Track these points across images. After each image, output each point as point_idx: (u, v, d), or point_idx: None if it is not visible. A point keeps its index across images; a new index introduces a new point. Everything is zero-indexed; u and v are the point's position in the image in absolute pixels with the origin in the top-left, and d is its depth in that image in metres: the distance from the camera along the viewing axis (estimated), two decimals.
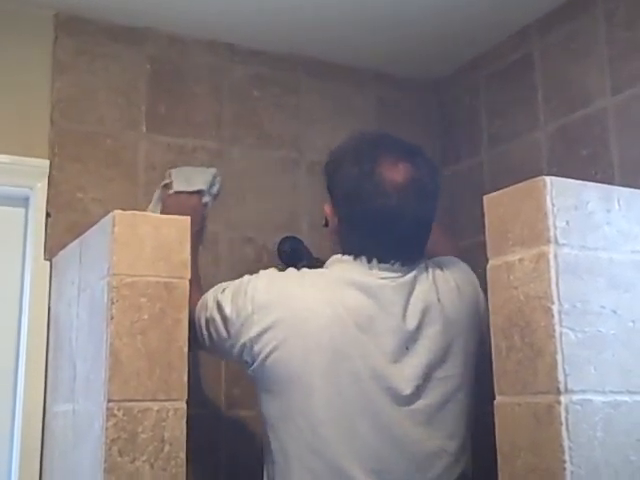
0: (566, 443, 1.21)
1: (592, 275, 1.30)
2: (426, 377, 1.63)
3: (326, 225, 1.76)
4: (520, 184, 1.33)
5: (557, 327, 1.25)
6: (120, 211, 1.59)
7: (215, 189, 1.96)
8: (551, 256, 1.27)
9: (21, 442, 1.92)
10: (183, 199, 1.90)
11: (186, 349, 1.57)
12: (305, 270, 1.75)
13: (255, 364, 1.61)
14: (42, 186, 2.03)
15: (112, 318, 1.52)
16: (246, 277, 1.69)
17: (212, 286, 1.74)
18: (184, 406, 1.55)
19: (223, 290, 1.70)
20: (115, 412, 1.49)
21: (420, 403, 1.62)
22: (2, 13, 2.06)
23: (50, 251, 2.00)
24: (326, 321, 1.60)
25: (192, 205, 1.89)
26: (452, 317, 1.69)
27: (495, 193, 1.38)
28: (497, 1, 2.08)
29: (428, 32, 2.24)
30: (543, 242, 1.28)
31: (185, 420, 1.54)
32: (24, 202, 2.07)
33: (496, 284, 1.35)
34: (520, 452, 1.27)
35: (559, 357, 1.24)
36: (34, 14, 2.09)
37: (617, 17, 1.97)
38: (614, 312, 1.31)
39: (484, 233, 1.40)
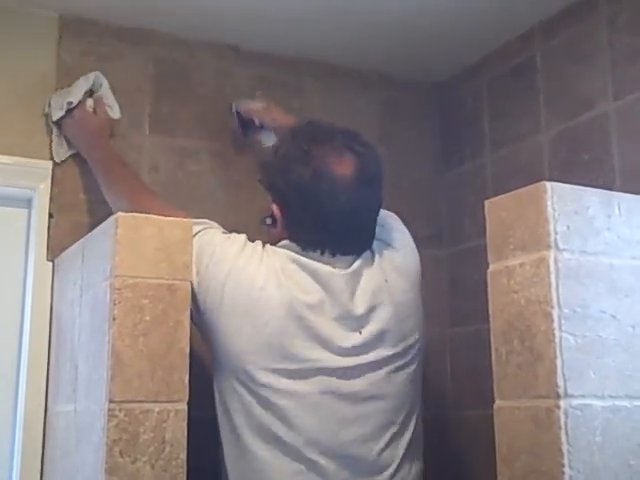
0: (565, 447, 1.22)
1: (592, 280, 1.31)
2: (376, 356, 1.68)
3: (273, 225, 1.76)
4: (521, 189, 1.34)
5: (557, 332, 1.26)
6: (123, 213, 1.60)
7: (101, 91, 2.04)
8: (551, 261, 1.28)
9: (22, 442, 1.92)
10: (70, 122, 2.01)
11: (188, 350, 1.58)
12: (259, 246, 1.74)
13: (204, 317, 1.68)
14: (45, 187, 2.03)
15: (114, 319, 1.53)
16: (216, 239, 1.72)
17: None
18: (185, 407, 1.56)
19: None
20: (116, 413, 1.50)
21: (368, 377, 1.68)
22: (6, 14, 2.06)
23: (53, 252, 2.00)
24: (275, 303, 1.64)
25: (80, 122, 2.02)
26: (400, 299, 1.73)
27: (496, 198, 1.39)
28: (500, 4, 2.09)
29: (431, 35, 2.25)
30: (544, 247, 1.29)
31: (186, 421, 1.55)
32: (27, 203, 2.08)
33: (496, 288, 1.36)
34: (519, 456, 1.28)
35: (559, 362, 1.25)
36: (38, 15, 2.10)
37: (620, 21, 1.97)
38: (614, 317, 1.31)
39: (486, 236, 1.40)
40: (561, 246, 1.29)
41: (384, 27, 2.19)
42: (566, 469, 1.21)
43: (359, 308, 1.69)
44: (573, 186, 1.34)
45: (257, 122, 2.17)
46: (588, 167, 1.99)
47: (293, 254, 1.70)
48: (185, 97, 2.24)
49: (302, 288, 1.67)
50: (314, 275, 1.68)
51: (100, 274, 1.62)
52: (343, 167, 1.68)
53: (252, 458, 1.65)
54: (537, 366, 1.26)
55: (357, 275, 1.71)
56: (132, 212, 1.61)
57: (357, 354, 1.68)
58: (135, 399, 1.52)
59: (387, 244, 1.80)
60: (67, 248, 1.93)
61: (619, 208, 1.37)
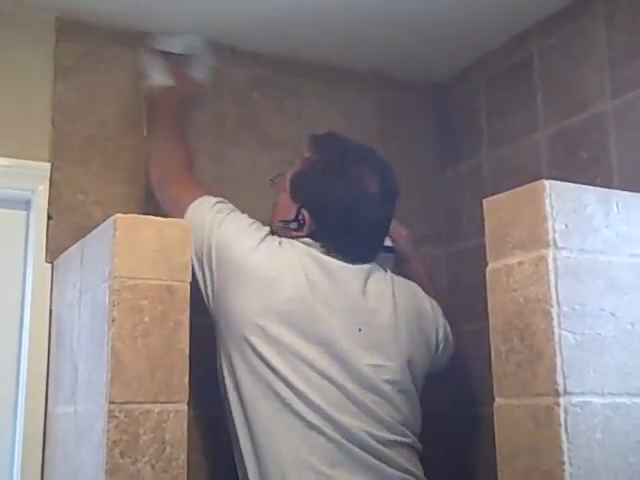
0: (565, 445, 1.22)
1: (591, 278, 1.31)
2: (371, 361, 1.80)
3: (299, 229, 1.89)
4: (520, 188, 1.34)
5: (556, 330, 1.26)
6: (121, 214, 1.60)
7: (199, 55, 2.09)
8: (550, 259, 1.28)
9: (23, 443, 1.92)
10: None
11: (187, 351, 1.58)
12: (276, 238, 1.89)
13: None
14: (44, 189, 2.03)
15: (113, 321, 1.53)
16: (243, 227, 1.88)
17: None
18: (185, 408, 1.56)
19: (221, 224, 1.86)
20: (116, 414, 1.50)
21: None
22: (3, 16, 2.06)
23: (52, 254, 2.00)
24: (289, 288, 1.79)
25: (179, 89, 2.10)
26: (400, 319, 1.87)
27: (495, 197, 1.39)
28: (497, 4, 2.09)
29: (429, 35, 2.25)
30: (542, 245, 1.29)
31: (186, 422, 1.55)
32: (26, 205, 2.08)
33: (496, 287, 1.36)
34: (519, 454, 1.28)
35: (558, 359, 1.25)
36: (35, 17, 2.09)
37: (617, 20, 1.97)
38: (613, 315, 1.31)
39: (484, 235, 1.41)
40: (560, 244, 1.29)
41: (381, 27, 2.20)
42: (566, 467, 1.22)
43: (363, 304, 1.83)
44: (571, 184, 1.35)
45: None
46: (586, 165, 2.00)
47: (310, 248, 1.85)
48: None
49: (312, 278, 1.81)
50: (325, 267, 1.83)
51: (99, 276, 1.63)
52: (371, 184, 1.88)
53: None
54: (537, 364, 1.27)
55: (366, 275, 1.87)
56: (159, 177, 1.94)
57: (355, 355, 1.79)
58: (135, 400, 1.52)
59: (416, 294, 1.98)
60: (66, 250, 1.93)
61: (617, 206, 1.37)
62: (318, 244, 1.86)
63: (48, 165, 2.05)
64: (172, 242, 1.61)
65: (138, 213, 1.77)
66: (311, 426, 1.72)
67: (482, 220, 1.41)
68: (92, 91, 2.13)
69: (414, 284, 2.00)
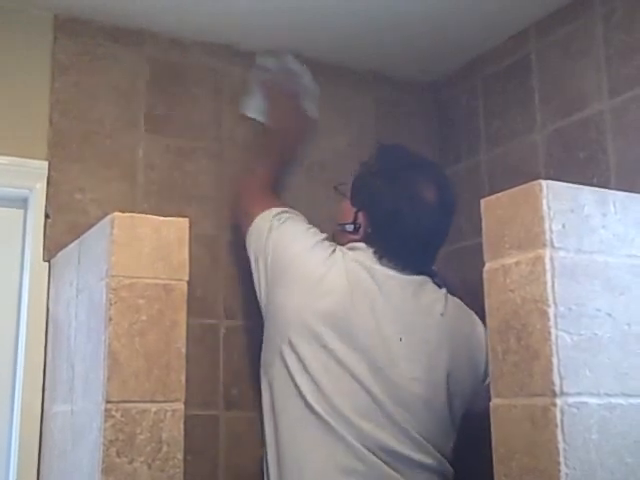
0: (561, 445, 1.22)
1: (588, 278, 1.31)
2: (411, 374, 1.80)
3: (354, 232, 1.94)
4: (517, 188, 1.34)
5: (553, 330, 1.26)
6: (119, 213, 1.60)
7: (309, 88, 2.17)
8: (547, 259, 1.28)
9: (19, 442, 1.92)
10: (279, 104, 2.18)
11: (184, 350, 1.58)
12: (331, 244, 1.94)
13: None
14: (41, 187, 2.03)
15: (110, 319, 1.53)
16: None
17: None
18: (182, 407, 1.56)
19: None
20: (113, 413, 1.50)
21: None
22: (1, 14, 2.06)
23: (49, 252, 2.00)
24: (336, 292, 1.82)
25: (288, 113, 2.18)
26: (444, 336, 1.85)
27: (492, 196, 1.39)
28: (495, 4, 2.09)
29: (427, 34, 2.25)
30: (539, 245, 1.29)
31: (183, 421, 1.55)
32: (23, 203, 2.08)
33: (493, 287, 1.36)
34: (515, 454, 1.28)
35: (555, 360, 1.25)
36: (33, 15, 2.09)
37: (614, 19, 1.97)
38: (609, 315, 1.31)
39: (482, 235, 1.40)
40: (557, 244, 1.29)
41: (379, 26, 2.19)
42: (562, 467, 1.21)
43: (408, 314, 1.84)
44: (568, 184, 1.34)
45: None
46: (583, 165, 2.00)
47: (362, 256, 1.88)
48: (180, 97, 2.23)
49: (360, 285, 1.84)
50: (374, 276, 1.85)
51: (96, 274, 1.63)
52: (428, 194, 1.91)
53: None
54: (533, 364, 1.27)
55: (416, 286, 1.89)
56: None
57: (391, 364, 1.80)
58: (132, 399, 1.52)
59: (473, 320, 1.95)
60: (63, 248, 1.93)
61: (614, 206, 1.37)
62: (371, 250, 1.89)
63: (46, 163, 2.05)
64: (169, 241, 1.61)
65: (136, 212, 1.76)
66: (331, 431, 1.73)
67: (480, 220, 1.41)
68: (90, 89, 2.13)
69: (470, 310, 1.96)
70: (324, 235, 1.95)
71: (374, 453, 1.73)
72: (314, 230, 1.95)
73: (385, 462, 1.73)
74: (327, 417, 1.73)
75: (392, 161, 1.99)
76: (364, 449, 1.72)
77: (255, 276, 1.92)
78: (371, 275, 1.85)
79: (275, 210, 1.96)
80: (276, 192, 2.09)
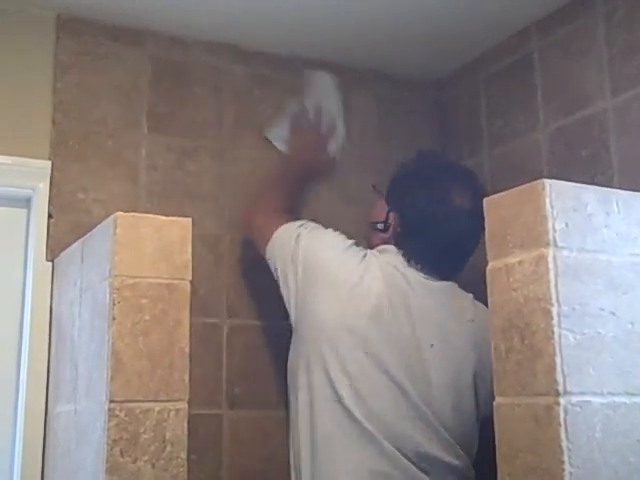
0: (565, 444, 1.22)
1: (591, 277, 1.31)
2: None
3: (384, 231, 1.95)
4: (520, 187, 1.34)
5: (556, 329, 1.26)
6: (122, 213, 1.60)
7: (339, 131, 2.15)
8: (550, 258, 1.28)
9: (23, 442, 1.92)
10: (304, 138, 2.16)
11: (187, 349, 1.58)
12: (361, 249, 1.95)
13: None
14: (44, 187, 2.03)
15: (114, 319, 1.53)
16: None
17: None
18: (185, 406, 1.56)
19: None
20: (117, 412, 1.50)
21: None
22: (4, 14, 2.07)
23: (52, 252, 2.01)
24: (374, 296, 1.82)
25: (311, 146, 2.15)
26: (471, 341, 1.85)
27: (495, 196, 1.39)
28: (497, 2, 2.09)
29: (428, 33, 2.25)
30: (542, 244, 1.29)
31: (186, 420, 1.55)
32: (26, 203, 2.08)
33: (496, 286, 1.36)
34: (519, 453, 1.28)
35: (558, 359, 1.25)
36: (36, 15, 2.10)
37: (617, 18, 1.97)
38: (613, 314, 1.31)
39: (485, 234, 1.41)
40: (560, 243, 1.29)
41: (381, 25, 2.20)
42: (566, 466, 1.21)
43: (437, 321, 1.85)
44: (571, 183, 1.34)
45: None
46: (586, 163, 2.00)
47: (392, 259, 1.89)
48: (183, 96, 2.24)
49: (395, 288, 1.84)
50: (407, 280, 1.86)
51: (99, 274, 1.63)
52: (461, 200, 1.91)
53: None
54: (536, 363, 1.27)
55: (446, 292, 1.90)
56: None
57: (423, 369, 1.81)
58: (135, 398, 1.52)
59: None
60: (66, 248, 1.93)
61: (617, 205, 1.37)
62: (400, 252, 1.91)
63: (48, 163, 2.05)
64: (172, 240, 1.61)
65: (138, 211, 1.77)
66: (367, 434, 1.74)
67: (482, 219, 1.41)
68: (92, 89, 2.14)
69: None
70: (352, 240, 1.95)
71: (406, 455, 1.74)
72: (342, 236, 1.95)
73: (416, 464, 1.75)
74: (364, 421, 1.74)
75: (429, 165, 2.01)
76: (397, 452, 1.74)
77: (282, 284, 1.91)
78: (405, 278, 1.87)
79: (298, 222, 1.97)
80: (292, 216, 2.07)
